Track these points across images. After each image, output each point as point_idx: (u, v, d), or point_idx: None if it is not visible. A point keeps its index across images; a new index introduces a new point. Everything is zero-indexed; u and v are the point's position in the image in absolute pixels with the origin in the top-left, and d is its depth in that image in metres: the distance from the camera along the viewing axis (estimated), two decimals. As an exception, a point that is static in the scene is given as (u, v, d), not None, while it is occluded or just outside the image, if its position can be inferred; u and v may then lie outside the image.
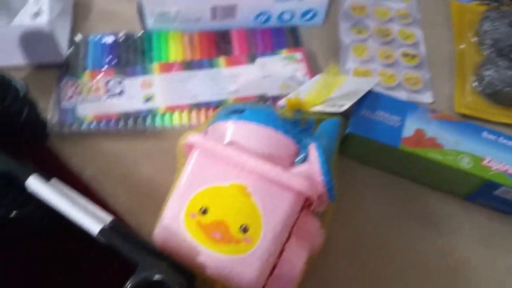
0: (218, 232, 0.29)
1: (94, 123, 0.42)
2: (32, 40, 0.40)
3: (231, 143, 0.32)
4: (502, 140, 0.37)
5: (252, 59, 0.46)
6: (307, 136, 0.34)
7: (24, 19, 0.39)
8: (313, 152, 0.31)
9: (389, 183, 0.40)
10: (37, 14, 0.39)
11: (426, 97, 0.45)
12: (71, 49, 0.46)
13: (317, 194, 0.30)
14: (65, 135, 0.41)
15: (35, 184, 0.30)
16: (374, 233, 0.38)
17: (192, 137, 0.32)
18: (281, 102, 0.40)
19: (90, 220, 0.28)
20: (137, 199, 0.38)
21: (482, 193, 0.37)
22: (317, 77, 0.43)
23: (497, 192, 0.36)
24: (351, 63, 0.46)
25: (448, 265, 0.37)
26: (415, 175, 0.39)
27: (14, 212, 0.33)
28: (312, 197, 0.30)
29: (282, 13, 0.48)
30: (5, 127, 0.35)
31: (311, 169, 0.30)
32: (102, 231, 0.28)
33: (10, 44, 0.40)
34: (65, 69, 0.44)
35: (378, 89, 0.43)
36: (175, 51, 0.47)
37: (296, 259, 0.30)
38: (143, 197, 0.38)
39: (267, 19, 0.48)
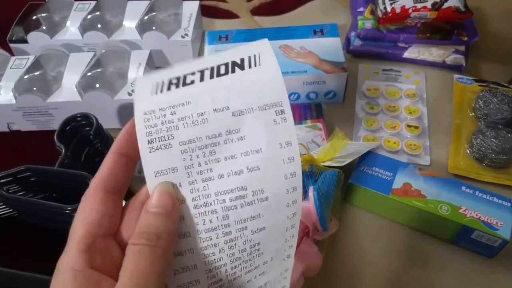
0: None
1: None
2: (126, 110, 0.57)
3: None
4: (478, 193, 0.45)
5: (283, 127, 0.59)
6: (312, 182, 0.45)
7: (123, 95, 0.57)
8: (311, 192, 0.41)
9: (384, 226, 0.48)
10: (131, 92, 0.56)
11: (424, 161, 0.54)
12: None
13: (312, 223, 0.40)
14: (142, 178, 0.56)
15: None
16: (369, 267, 0.46)
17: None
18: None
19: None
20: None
21: (462, 237, 0.44)
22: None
23: (473, 236, 0.43)
24: (362, 132, 0.57)
25: (433, 298, 0.43)
26: (405, 220, 0.47)
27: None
28: (308, 225, 0.40)
29: (309, 93, 0.61)
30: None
31: (309, 203, 0.41)
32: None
33: (111, 112, 0.58)
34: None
35: (382, 152, 0.53)
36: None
37: (294, 270, 0.39)
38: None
39: (297, 98, 0.62)
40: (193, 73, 0.24)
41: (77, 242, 0.21)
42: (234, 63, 0.24)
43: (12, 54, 0.66)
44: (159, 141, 0.23)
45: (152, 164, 0.23)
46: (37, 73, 0.59)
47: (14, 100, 0.57)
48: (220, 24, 0.76)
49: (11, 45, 0.66)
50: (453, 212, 0.44)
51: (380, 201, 0.47)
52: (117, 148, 0.24)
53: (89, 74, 0.57)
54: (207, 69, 0.24)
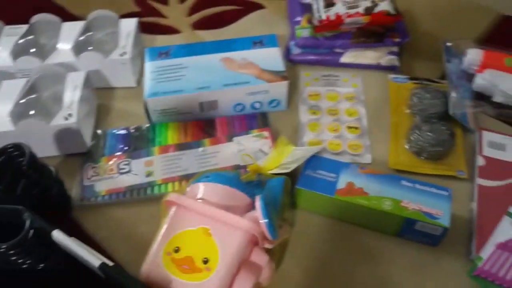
0: (186, 265, 0.39)
1: (107, 196, 0.54)
2: (63, 135, 0.55)
3: (200, 199, 0.43)
4: (417, 186, 0.47)
5: (230, 138, 0.59)
6: (260, 191, 0.45)
7: (59, 120, 0.55)
8: (257, 201, 0.41)
9: (333, 226, 0.49)
10: (68, 117, 0.54)
11: (366, 159, 0.55)
12: (94, 141, 0.60)
13: (260, 233, 0.40)
14: (84, 206, 0.54)
15: (58, 235, 0.41)
16: (322, 267, 0.46)
17: (171, 196, 0.43)
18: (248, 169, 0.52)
19: (97, 261, 0.39)
20: (137, 252, 0.48)
21: (407, 229, 0.46)
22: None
23: (417, 227, 0.45)
24: (307, 137, 0.58)
25: (385, 292, 0.44)
26: (352, 218, 0.49)
27: (41, 265, 0.44)
28: (257, 235, 0.40)
29: (254, 103, 0.62)
30: (39, 201, 0.48)
31: (256, 213, 0.41)
32: (101, 264, 0.39)
33: (47, 140, 0.55)
34: (88, 156, 0.58)
35: (326, 155, 0.55)
36: (172, 136, 0.60)
37: (245, 283, 0.39)
38: (142, 251, 0.48)
39: (242, 108, 0.62)
40: None
41: None
42: None
43: None
44: None
45: None
46: (-35, 104, 0.56)
47: None
48: (162, 40, 0.75)
49: None
50: (396, 206, 0.45)
51: (326, 202, 0.48)
52: None
53: (22, 101, 0.55)
54: None
